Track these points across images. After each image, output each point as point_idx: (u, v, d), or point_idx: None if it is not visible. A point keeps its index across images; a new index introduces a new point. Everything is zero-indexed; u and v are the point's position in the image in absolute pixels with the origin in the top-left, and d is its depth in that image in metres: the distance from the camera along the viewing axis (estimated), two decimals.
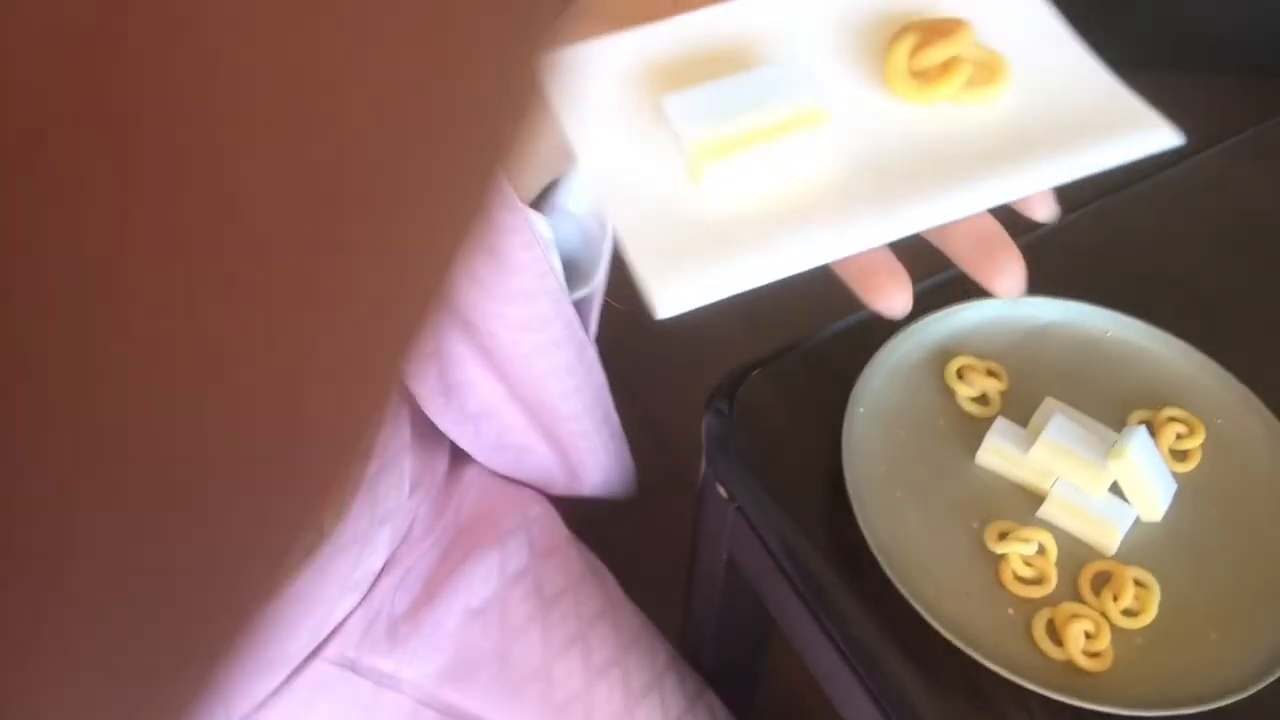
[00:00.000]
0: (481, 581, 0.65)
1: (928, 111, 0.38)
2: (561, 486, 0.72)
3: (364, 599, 0.61)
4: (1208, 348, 0.64)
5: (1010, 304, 0.66)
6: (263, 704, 0.57)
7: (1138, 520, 0.56)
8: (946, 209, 0.36)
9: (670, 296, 0.34)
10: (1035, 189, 0.37)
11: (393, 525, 0.62)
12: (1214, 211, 0.77)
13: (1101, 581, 0.54)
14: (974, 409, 0.61)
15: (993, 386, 0.62)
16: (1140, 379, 0.64)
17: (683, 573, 0.81)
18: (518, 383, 0.61)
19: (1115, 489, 0.56)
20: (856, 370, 0.61)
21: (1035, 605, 0.53)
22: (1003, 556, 0.55)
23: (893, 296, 0.37)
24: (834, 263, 0.37)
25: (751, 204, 0.36)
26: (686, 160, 0.36)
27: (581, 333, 0.63)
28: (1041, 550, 0.55)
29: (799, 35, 0.40)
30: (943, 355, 0.63)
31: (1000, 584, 0.54)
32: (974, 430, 0.59)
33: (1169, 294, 0.70)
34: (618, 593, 0.73)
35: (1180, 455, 0.60)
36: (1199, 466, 0.59)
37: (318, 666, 0.59)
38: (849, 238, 0.35)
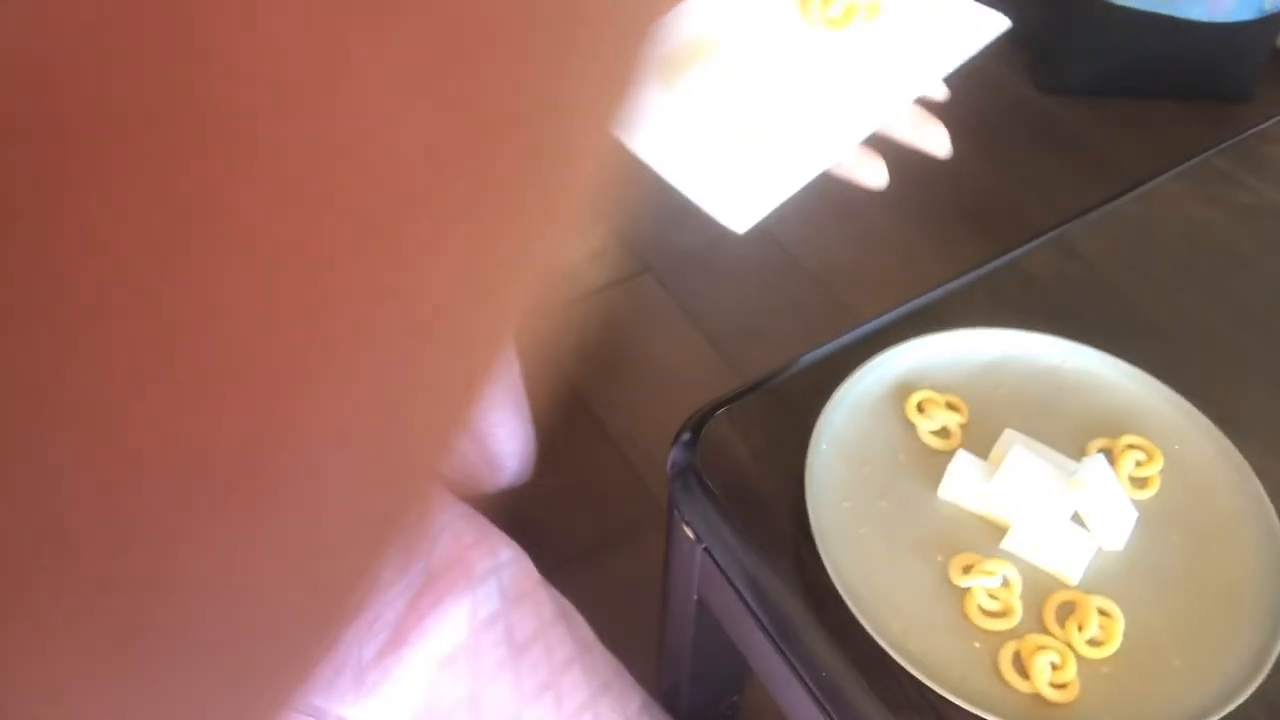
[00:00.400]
0: (452, 629, 0.64)
1: (842, 40, 0.52)
2: (487, 483, 0.75)
3: None
4: (1163, 374, 0.65)
5: (968, 337, 0.66)
6: None
7: (1100, 549, 0.57)
8: (885, 111, 0.51)
9: (738, 216, 0.48)
10: (931, 83, 0.52)
11: None
12: (1168, 237, 0.79)
13: (1066, 612, 0.55)
14: (935, 442, 0.62)
15: (953, 419, 0.62)
16: (1098, 407, 0.64)
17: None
18: None
19: (1077, 519, 0.57)
20: (820, 407, 0.62)
21: (1001, 638, 0.53)
22: (967, 590, 0.55)
23: (872, 169, 0.51)
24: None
25: (766, 135, 0.50)
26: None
27: None
28: (1005, 583, 0.55)
29: (744, 17, 0.54)
30: (903, 389, 0.64)
31: (965, 617, 0.54)
32: (935, 463, 0.60)
33: (1124, 322, 0.71)
34: (590, 637, 0.72)
35: (1140, 482, 0.60)
36: (1158, 493, 0.60)
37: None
38: (841, 140, 0.50)
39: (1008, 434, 0.61)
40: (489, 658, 0.64)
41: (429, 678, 0.63)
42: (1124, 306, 0.72)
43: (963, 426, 0.62)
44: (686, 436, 0.64)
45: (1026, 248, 0.77)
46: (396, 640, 0.63)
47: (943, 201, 1.71)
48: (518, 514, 0.89)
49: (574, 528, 1.23)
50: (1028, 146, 1.82)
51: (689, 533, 0.62)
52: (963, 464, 0.58)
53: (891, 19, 0.54)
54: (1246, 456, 0.61)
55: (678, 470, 0.63)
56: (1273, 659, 0.52)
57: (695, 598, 0.68)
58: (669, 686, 0.85)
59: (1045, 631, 0.54)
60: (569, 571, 0.80)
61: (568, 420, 1.36)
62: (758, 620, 0.58)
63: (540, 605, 0.70)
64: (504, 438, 0.73)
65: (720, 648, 0.77)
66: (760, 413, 0.65)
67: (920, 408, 0.62)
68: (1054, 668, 0.52)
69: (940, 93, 0.53)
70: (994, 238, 1.64)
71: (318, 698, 0.59)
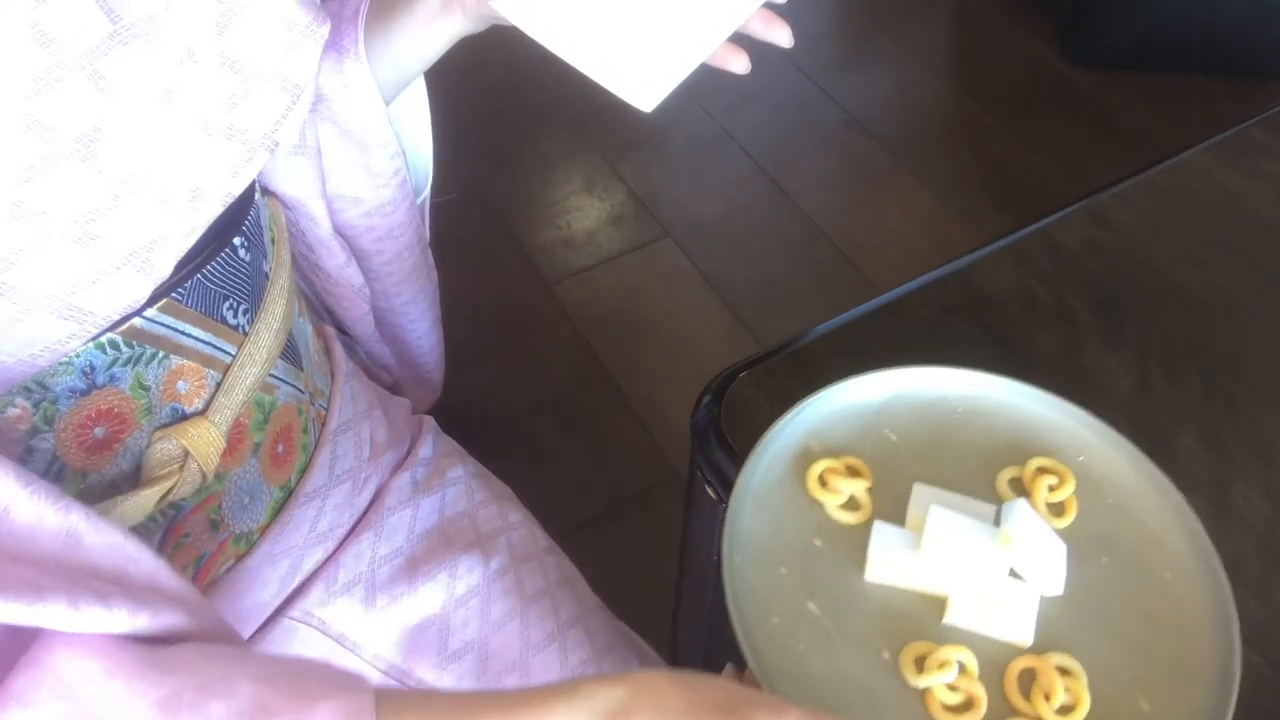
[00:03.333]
0: (466, 570, 0.66)
1: None
2: (417, 399, 0.80)
3: (330, 558, 0.62)
4: (1192, 344, 0.63)
5: (846, 388, 0.62)
6: None
7: (1041, 598, 0.53)
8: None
9: (644, 95, 0.50)
10: None
11: (352, 484, 0.64)
12: (1200, 209, 0.78)
13: (1028, 680, 0.50)
14: (846, 517, 0.56)
15: (859, 486, 0.57)
16: (998, 434, 0.60)
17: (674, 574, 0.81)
18: (376, 294, 0.71)
19: (1012, 573, 0.53)
20: (840, 371, 0.59)
21: None
22: (927, 690, 0.50)
23: (737, 60, 0.56)
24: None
25: (654, 18, 0.53)
26: None
27: (426, 235, 0.75)
28: (963, 669, 0.51)
29: None
30: (801, 462, 0.59)
31: (931, 718, 0.49)
32: (853, 541, 0.54)
33: (1152, 291, 0.70)
34: (594, 602, 0.74)
35: (1056, 509, 0.57)
36: (1078, 517, 0.57)
37: (286, 623, 0.60)
38: (725, 19, 0.53)
39: (918, 490, 0.56)
40: (499, 604, 0.66)
41: (440, 613, 0.64)
42: (1154, 276, 0.72)
43: (870, 491, 0.57)
44: (709, 397, 0.64)
45: (1055, 217, 0.76)
46: (410, 571, 0.64)
47: (969, 177, 1.69)
48: (536, 476, 0.90)
49: (590, 491, 1.24)
50: (1058, 122, 1.80)
51: (711, 492, 0.62)
52: (882, 538, 0.53)
53: None
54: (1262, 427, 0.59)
55: (700, 430, 0.63)
56: (1237, 675, 0.50)
57: (715, 558, 0.68)
58: (683, 650, 0.85)
59: (1014, 712, 0.50)
60: (584, 534, 0.80)
61: (586, 384, 1.36)
62: None
63: (547, 569, 0.71)
64: (426, 349, 0.78)
65: None
66: (783, 376, 0.65)
67: (823, 481, 0.57)
68: None
69: None
70: (1021, 214, 1.63)
71: (322, 611, 0.61)
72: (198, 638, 0.40)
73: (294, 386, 0.58)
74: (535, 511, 0.77)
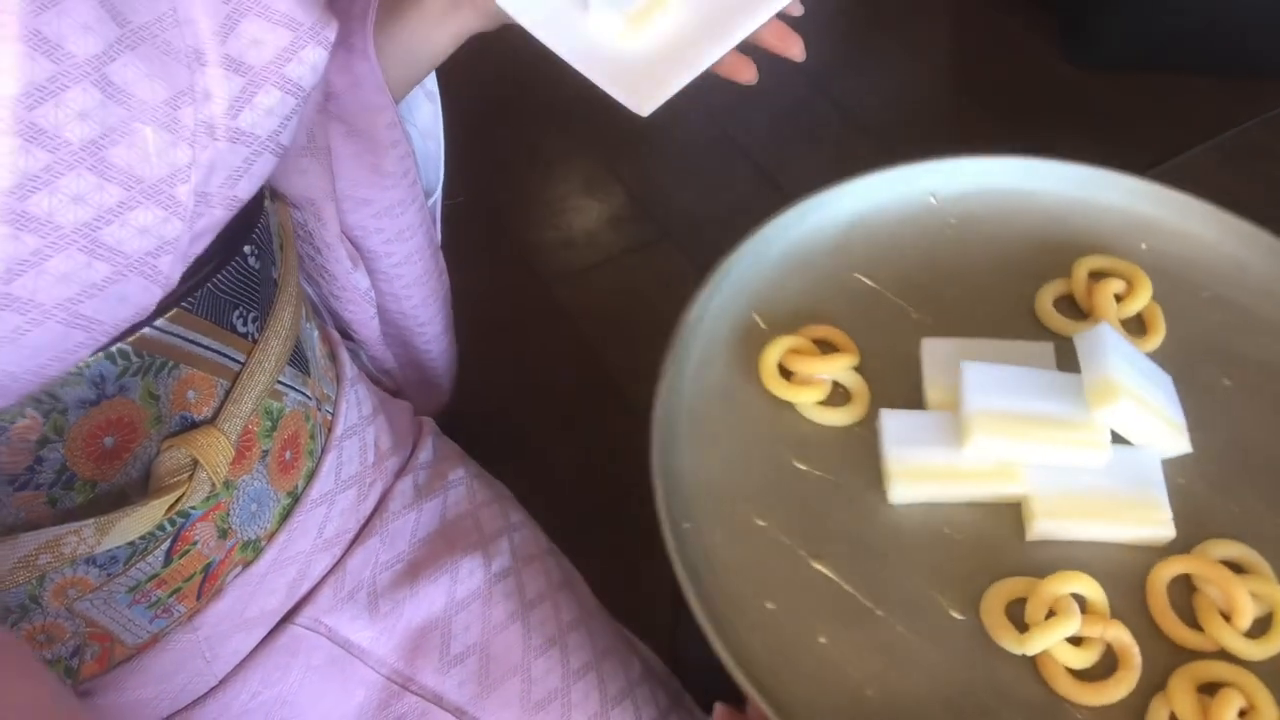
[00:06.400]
0: (467, 574, 0.66)
1: None
2: (424, 405, 0.80)
3: (338, 564, 0.63)
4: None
5: (792, 221, 0.48)
6: (243, 662, 0.59)
7: (1162, 461, 0.37)
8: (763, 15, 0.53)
9: (641, 100, 0.50)
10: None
11: (358, 489, 0.64)
12: None
13: (1185, 595, 0.35)
14: (833, 416, 0.41)
15: (840, 366, 0.40)
16: (1016, 239, 0.43)
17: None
18: (385, 296, 0.71)
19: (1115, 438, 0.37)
20: None
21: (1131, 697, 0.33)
22: (1040, 655, 0.34)
23: (746, 70, 0.57)
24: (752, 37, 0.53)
25: (662, 30, 0.52)
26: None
27: (436, 237, 0.74)
28: (1086, 606, 0.34)
29: None
30: (749, 346, 0.42)
31: (1052, 690, 0.33)
32: (854, 452, 0.39)
33: None
34: (594, 604, 0.74)
35: (1135, 326, 0.40)
36: (1169, 332, 0.40)
37: (293, 630, 0.60)
38: (729, 33, 0.52)
39: (930, 349, 0.40)
40: (501, 607, 0.66)
41: (441, 617, 0.64)
42: None
43: (860, 370, 0.41)
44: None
45: None
46: (412, 574, 0.64)
47: None
48: (535, 476, 0.90)
49: (591, 491, 1.24)
50: (1055, 122, 1.80)
51: None
52: (899, 435, 0.37)
53: None
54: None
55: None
56: None
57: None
58: (683, 654, 0.85)
59: (1181, 649, 0.33)
60: (583, 535, 0.80)
61: (585, 384, 1.36)
62: None
63: (549, 570, 0.71)
64: (436, 354, 0.78)
65: None
66: None
67: (786, 371, 0.41)
68: (1244, 716, 0.33)
69: (797, 9, 0.58)
70: None
71: (329, 618, 0.61)
72: None
73: (301, 393, 0.58)
74: (534, 512, 0.77)
